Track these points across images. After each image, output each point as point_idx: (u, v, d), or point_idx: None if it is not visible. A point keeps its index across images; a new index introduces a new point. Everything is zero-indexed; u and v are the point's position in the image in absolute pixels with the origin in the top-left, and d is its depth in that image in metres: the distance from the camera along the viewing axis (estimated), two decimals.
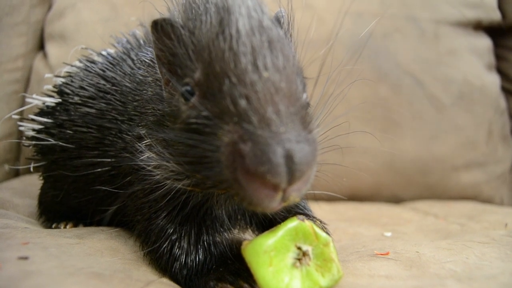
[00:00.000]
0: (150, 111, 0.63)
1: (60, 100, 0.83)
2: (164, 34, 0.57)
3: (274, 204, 0.47)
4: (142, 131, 0.64)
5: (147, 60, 0.70)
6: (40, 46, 1.53)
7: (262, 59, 0.48)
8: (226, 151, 0.46)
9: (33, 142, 0.87)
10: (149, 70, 0.67)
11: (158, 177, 0.61)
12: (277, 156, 0.43)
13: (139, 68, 0.71)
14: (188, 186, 0.58)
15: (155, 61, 0.63)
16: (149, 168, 0.61)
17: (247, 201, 0.48)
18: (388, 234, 0.96)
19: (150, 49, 0.70)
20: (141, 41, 0.82)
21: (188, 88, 0.54)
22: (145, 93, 0.66)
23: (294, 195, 0.47)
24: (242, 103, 0.46)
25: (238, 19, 0.51)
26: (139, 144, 0.63)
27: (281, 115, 0.45)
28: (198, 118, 0.50)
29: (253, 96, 0.46)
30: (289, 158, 0.43)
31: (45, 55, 1.48)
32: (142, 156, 0.62)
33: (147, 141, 0.62)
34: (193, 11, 0.56)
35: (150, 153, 0.61)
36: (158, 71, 0.62)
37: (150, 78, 0.66)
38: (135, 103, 0.68)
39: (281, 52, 0.50)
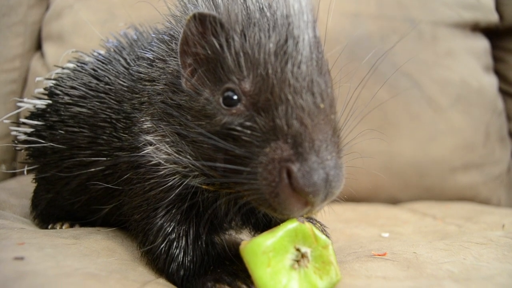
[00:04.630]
0: (159, 104, 0.63)
1: (50, 101, 0.82)
2: (210, 30, 0.56)
3: (299, 215, 0.53)
4: (148, 124, 0.64)
5: (151, 57, 0.68)
6: (38, 46, 1.52)
7: (318, 87, 0.52)
8: (270, 165, 0.50)
9: (25, 146, 0.86)
10: (157, 63, 0.66)
11: (165, 171, 0.61)
12: (321, 181, 0.49)
13: (139, 65, 0.70)
14: (203, 184, 0.59)
15: (168, 54, 0.64)
16: (154, 162, 0.62)
17: (275, 210, 0.52)
18: (386, 235, 0.96)
19: (156, 44, 0.69)
20: (132, 41, 0.81)
21: (230, 94, 0.54)
22: (149, 88, 0.66)
23: (318, 209, 0.53)
24: (297, 126, 0.50)
25: (300, 37, 0.53)
26: (145, 138, 0.63)
27: (328, 143, 0.51)
28: (244, 128, 0.52)
29: (309, 124, 0.50)
30: (328, 182, 0.49)
31: (42, 55, 1.48)
32: (146, 150, 0.62)
33: (154, 135, 0.62)
34: (245, 16, 0.55)
35: (159, 145, 0.61)
36: (173, 63, 0.62)
37: (156, 73, 0.65)
38: (133, 101, 0.68)
39: (326, 76, 0.54)
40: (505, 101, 1.56)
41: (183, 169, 0.60)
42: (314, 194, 0.49)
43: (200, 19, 0.56)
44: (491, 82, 1.52)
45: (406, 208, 1.32)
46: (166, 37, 0.67)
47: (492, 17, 1.53)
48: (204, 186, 0.60)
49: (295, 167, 0.49)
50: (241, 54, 0.53)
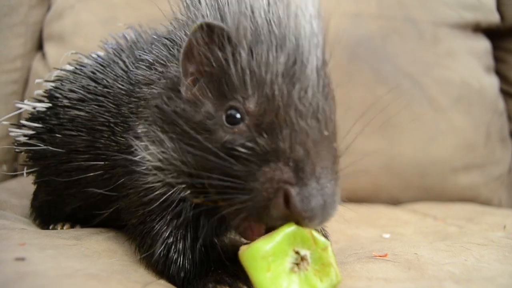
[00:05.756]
0: (155, 108, 0.62)
1: (50, 104, 0.82)
2: (217, 43, 0.55)
3: None
4: (143, 129, 0.63)
5: (150, 60, 0.68)
6: (39, 46, 1.52)
7: (323, 114, 0.52)
8: (268, 184, 0.50)
9: (24, 148, 0.86)
10: (157, 67, 0.66)
11: (154, 177, 0.61)
12: (318, 207, 0.49)
13: (137, 68, 0.70)
14: (190, 197, 0.59)
15: (168, 59, 0.63)
16: (145, 167, 0.61)
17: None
18: (387, 235, 0.95)
19: (156, 47, 0.68)
20: (132, 44, 0.80)
21: (233, 112, 0.53)
22: (146, 91, 0.65)
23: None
24: (300, 152, 0.50)
25: (308, 60, 0.52)
26: (138, 142, 0.62)
27: (328, 171, 0.51)
28: (245, 148, 0.52)
29: (312, 150, 0.50)
30: (325, 209, 0.50)
31: (43, 56, 1.48)
32: (138, 155, 0.62)
33: (147, 140, 0.62)
34: (254, 32, 0.53)
35: (151, 151, 0.61)
36: (173, 69, 0.62)
37: (155, 76, 0.65)
38: (131, 105, 0.67)
39: (331, 102, 0.54)
40: (506, 101, 1.56)
41: (171, 179, 0.59)
42: (311, 219, 0.49)
43: (208, 30, 0.55)
44: (492, 82, 1.52)
45: (407, 208, 1.32)
46: (167, 42, 0.66)
47: (493, 17, 1.52)
48: (194, 200, 0.60)
49: (293, 191, 0.49)
50: (247, 72, 0.52)
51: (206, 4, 0.59)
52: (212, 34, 0.55)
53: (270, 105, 0.51)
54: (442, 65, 1.45)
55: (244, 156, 0.51)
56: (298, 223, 0.51)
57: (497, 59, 1.58)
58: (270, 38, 0.52)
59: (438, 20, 1.47)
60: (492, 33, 1.55)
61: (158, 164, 0.60)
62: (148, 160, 0.61)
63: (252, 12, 0.54)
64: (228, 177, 0.52)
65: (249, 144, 0.51)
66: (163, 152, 0.60)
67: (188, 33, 0.59)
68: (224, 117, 0.54)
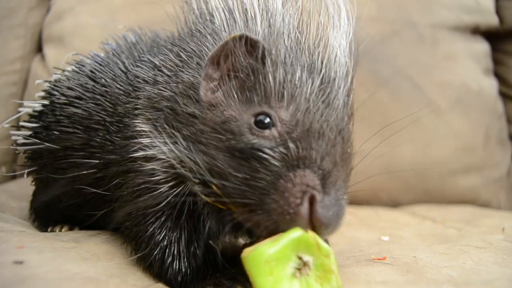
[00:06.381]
0: (166, 110, 0.63)
1: (47, 102, 0.82)
2: (257, 55, 0.58)
3: None
4: (145, 129, 0.63)
5: (157, 62, 0.68)
6: (38, 48, 1.52)
7: (347, 134, 0.58)
8: (297, 187, 0.53)
9: (22, 148, 0.86)
10: (164, 70, 0.66)
11: (158, 178, 0.61)
12: (334, 216, 0.53)
13: (139, 67, 0.70)
14: (204, 196, 0.59)
15: (178, 65, 0.65)
16: (147, 167, 0.61)
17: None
18: (386, 238, 0.96)
19: (165, 52, 0.69)
20: (131, 45, 0.80)
21: (263, 117, 0.56)
22: (150, 91, 0.65)
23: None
24: (329, 162, 0.54)
25: (340, 86, 0.58)
26: (140, 141, 0.62)
27: (344, 185, 0.56)
28: (274, 152, 0.54)
29: (338, 163, 0.55)
30: (337, 218, 0.54)
31: (43, 58, 1.48)
32: (138, 154, 0.62)
33: (152, 140, 0.61)
34: (289, 51, 0.59)
35: (156, 151, 0.61)
36: (187, 75, 0.62)
37: (162, 78, 0.65)
38: (128, 106, 0.67)
39: (351, 126, 0.61)
40: (505, 104, 1.56)
41: (186, 172, 0.59)
42: (326, 226, 0.53)
43: (248, 42, 0.58)
44: (491, 85, 1.52)
45: (406, 211, 1.32)
46: (176, 48, 0.67)
47: (492, 20, 1.53)
48: (202, 196, 0.59)
49: (319, 197, 0.52)
50: (284, 86, 0.56)
51: (222, 20, 0.63)
52: (251, 46, 0.58)
53: (305, 117, 0.55)
54: (442, 68, 1.45)
55: (271, 160, 0.54)
56: (314, 229, 0.53)
57: (496, 61, 1.58)
58: (305, 62, 0.59)
59: (437, 22, 1.47)
60: (491, 36, 1.55)
61: (166, 163, 0.60)
62: (152, 160, 0.61)
63: (285, 37, 0.60)
64: (248, 179, 0.54)
65: (279, 148, 0.54)
66: (176, 150, 0.60)
67: (209, 45, 0.63)
68: (252, 121, 0.56)
